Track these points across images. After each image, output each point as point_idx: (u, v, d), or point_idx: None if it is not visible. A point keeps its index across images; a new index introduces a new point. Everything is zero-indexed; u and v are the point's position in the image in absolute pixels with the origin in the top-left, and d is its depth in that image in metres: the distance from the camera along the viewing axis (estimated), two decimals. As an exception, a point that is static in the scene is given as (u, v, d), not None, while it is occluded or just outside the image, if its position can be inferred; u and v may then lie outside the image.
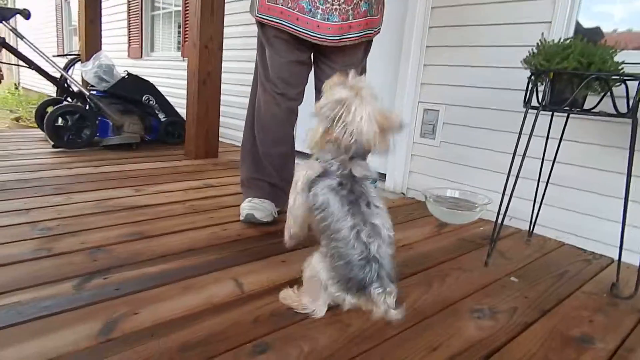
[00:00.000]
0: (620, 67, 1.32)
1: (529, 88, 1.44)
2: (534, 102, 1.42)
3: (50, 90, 7.51)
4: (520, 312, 1.18)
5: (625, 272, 1.40)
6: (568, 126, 1.62)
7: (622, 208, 1.32)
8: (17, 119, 6.57)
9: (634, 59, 1.46)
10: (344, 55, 1.60)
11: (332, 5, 1.45)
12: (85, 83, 3.24)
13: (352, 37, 1.53)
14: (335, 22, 1.47)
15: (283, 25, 1.49)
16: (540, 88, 1.41)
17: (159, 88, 3.34)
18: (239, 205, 1.76)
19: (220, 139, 3.09)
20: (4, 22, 2.76)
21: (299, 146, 1.80)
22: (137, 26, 5.37)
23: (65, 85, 3.26)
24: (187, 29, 3.84)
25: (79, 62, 3.99)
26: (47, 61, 2.99)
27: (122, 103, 3.07)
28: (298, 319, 1.04)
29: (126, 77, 3.11)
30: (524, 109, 1.43)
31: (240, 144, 1.85)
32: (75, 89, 3.14)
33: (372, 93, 1.02)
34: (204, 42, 2.77)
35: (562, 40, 1.36)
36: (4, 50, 2.88)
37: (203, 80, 2.83)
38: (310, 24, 1.46)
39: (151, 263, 1.29)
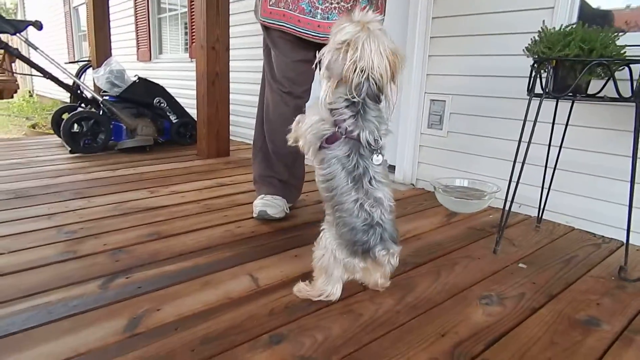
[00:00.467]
0: (622, 51, 1.32)
1: (532, 76, 1.45)
2: (538, 90, 1.43)
3: (63, 96, 7.68)
4: (528, 298, 1.20)
5: (634, 254, 1.41)
6: (574, 111, 1.62)
7: (629, 191, 1.33)
8: (33, 126, 6.74)
9: (636, 40, 1.45)
10: None
11: (331, 4, 1.47)
12: (97, 89, 3.32)
13: None
14: (335, 20, 1.50)
15: (286, 27, 1.52)
16: (544, 75, 1.42)
17: (169, 89, 3.40)
18: (251, 203, 1.81)
19: (231, 137, 3.15)
20: (18, 34, 2.84)
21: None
22: (145, 29, 5.45)
23: (79, 91, 3.35)
24: (194, 30, 3.89)
25: (90, 68, 4.09)
26: (59, 69, 3.07)
27: (134, 107, 3.15)
28: (312, 310, 1.09)
29: (137, 81, 3.18)
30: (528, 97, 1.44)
31: (251, 142, 1.89)
32: (89, 95, 3.22)
33: (381, 27, 1.00)
34: (211, 43, 2.81)
35: (563, 27, 1.36)
36: (17, 60, 2.96)
37: (212, 81, 2.89)
38: (311, 24, 1.49)
39: (170, 262, 1.35)
